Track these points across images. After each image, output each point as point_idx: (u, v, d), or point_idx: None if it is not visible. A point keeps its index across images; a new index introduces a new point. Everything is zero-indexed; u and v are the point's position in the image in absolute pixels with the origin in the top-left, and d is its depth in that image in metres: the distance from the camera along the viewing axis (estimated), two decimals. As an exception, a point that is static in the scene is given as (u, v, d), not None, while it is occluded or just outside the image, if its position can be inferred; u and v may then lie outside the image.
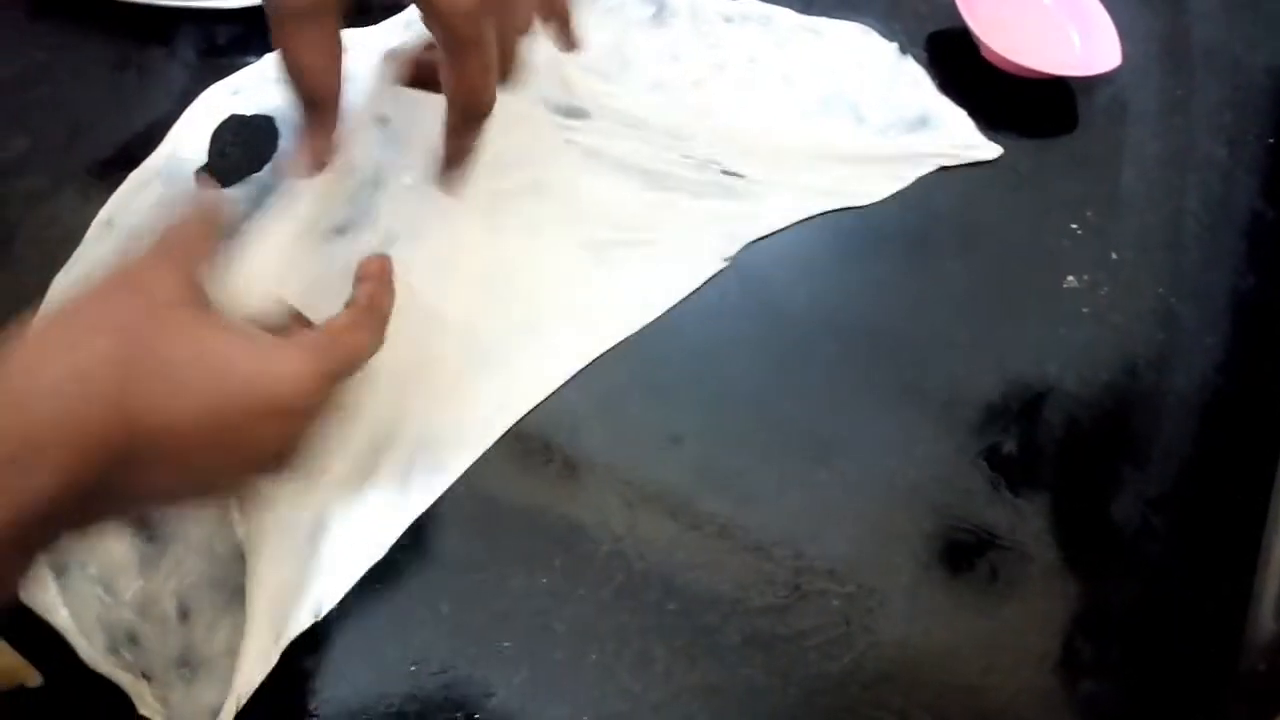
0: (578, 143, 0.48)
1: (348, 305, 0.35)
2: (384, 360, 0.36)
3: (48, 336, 0.28)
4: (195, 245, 0.31)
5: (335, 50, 0.35)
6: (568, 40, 0.38)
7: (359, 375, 0.34)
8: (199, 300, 0.30)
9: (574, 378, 0.43)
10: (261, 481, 0.33)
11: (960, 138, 0.50)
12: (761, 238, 0.47)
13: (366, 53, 0.52)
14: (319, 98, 0.36)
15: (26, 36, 0.52)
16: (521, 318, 0.44)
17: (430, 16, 0.34)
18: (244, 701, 0.34)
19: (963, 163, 0.50)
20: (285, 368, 0.30)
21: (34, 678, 0.36)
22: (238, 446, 0.29)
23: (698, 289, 0.45)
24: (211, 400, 0.28)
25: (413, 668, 0.37)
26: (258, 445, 0.30)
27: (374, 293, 0.36)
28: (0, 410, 0.25)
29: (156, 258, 0.30)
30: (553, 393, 0.42)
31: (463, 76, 0.35)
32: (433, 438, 0.41)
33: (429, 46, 0.39)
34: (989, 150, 0.50)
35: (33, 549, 0.27)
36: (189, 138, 0.49)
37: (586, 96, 0.49)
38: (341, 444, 0.39)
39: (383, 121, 0.49)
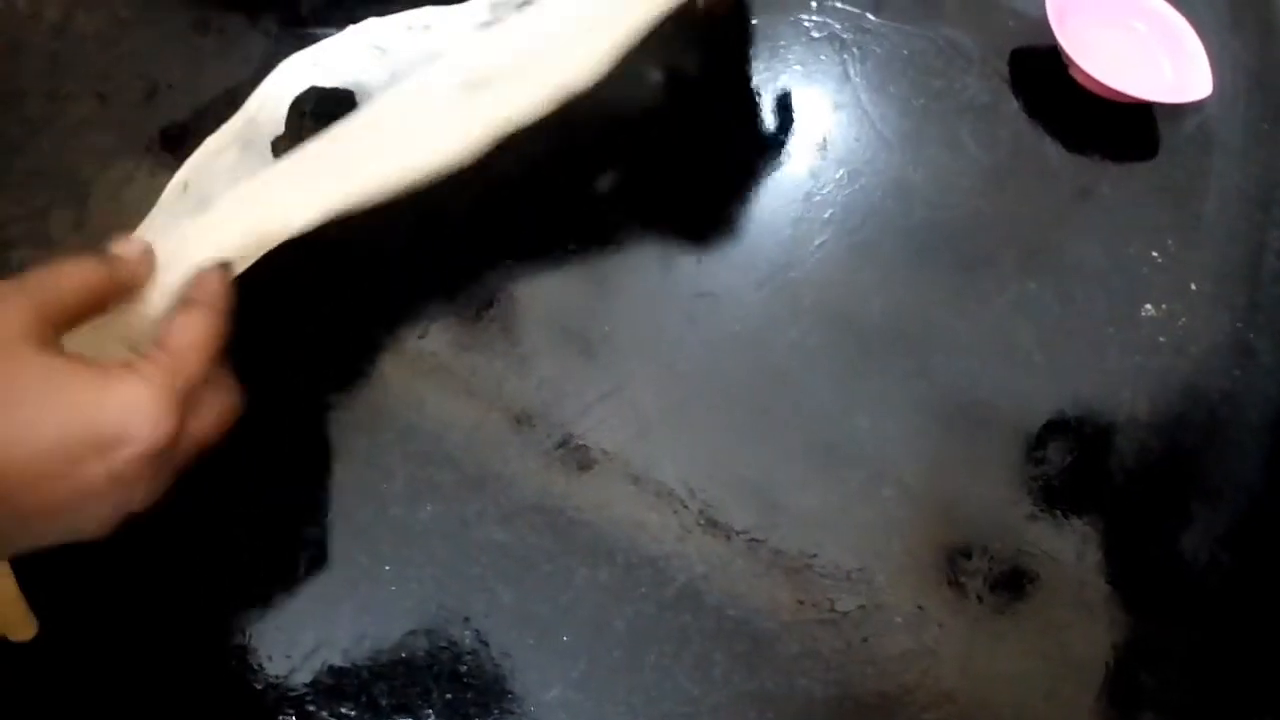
0: None
1: (182, 306, 0.33)
2: None
3: None
4: (57, 287, 0.31)
5: None
6: None
7: None
8: (44, 337, 0.29)
9: (642, 383, 0.42)
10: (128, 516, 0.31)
11: None
12: (824, 243, 0.46)
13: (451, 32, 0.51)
14: None
15: (111, -9, 0.52)
16: None
17: None
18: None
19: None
20: (126, 397, 0.29)
21: (27, 630, 0.35)
22: (89, 482, 0.28)
23: (768, 297, 0.45)
24: (49, 436, 0.28)
25: (469, 655, 0.37)
26: (113, 480, 0.28)
27: (211, 292, 0.34)
28: None
29: (8, 291, 0.30)
30: (620, 392, 0.42)
31: None
32: None
33: None
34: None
35: None
36: (267, 107, 0.48)
37: None
38: None
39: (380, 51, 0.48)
